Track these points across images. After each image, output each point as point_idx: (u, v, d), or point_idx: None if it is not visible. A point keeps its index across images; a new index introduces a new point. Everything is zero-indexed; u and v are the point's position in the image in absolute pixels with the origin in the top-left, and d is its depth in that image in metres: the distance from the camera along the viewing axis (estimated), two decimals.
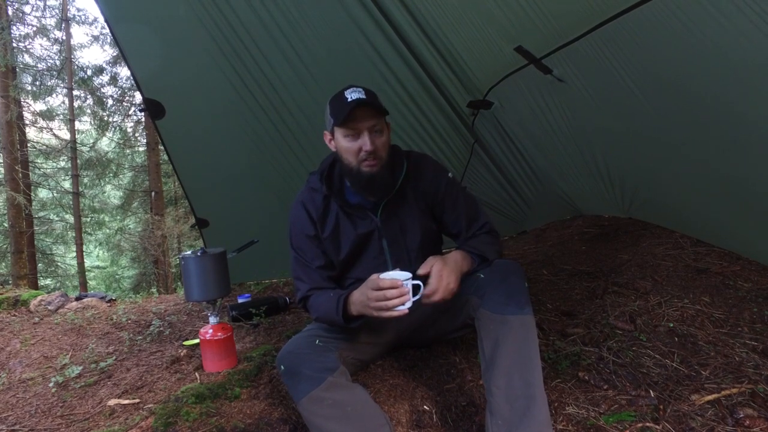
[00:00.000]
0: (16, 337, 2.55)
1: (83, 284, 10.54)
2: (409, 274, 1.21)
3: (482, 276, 1.37)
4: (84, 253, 10.96)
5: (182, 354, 2.06)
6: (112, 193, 12.59)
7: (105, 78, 11.16)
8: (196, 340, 2.14)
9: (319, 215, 1.49)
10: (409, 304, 1.19)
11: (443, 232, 1.61)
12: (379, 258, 1.51)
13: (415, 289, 1.21)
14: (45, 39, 10.54)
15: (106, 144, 11.67)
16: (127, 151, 11.92)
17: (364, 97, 1.33)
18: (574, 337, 1.77)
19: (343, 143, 1.38)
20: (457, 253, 1.39)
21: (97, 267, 13.28)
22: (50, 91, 10.62)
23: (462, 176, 3.15)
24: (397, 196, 1.48)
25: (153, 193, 11.02)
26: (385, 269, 1.46)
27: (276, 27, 2.14)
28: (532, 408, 1.15)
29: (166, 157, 5.99)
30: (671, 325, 1.75)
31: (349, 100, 1.32)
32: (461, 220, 1.51)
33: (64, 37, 10.63)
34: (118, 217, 12.03)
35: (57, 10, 10.63)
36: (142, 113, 10.69)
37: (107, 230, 11.91)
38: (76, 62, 10.94)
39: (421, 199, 1.51)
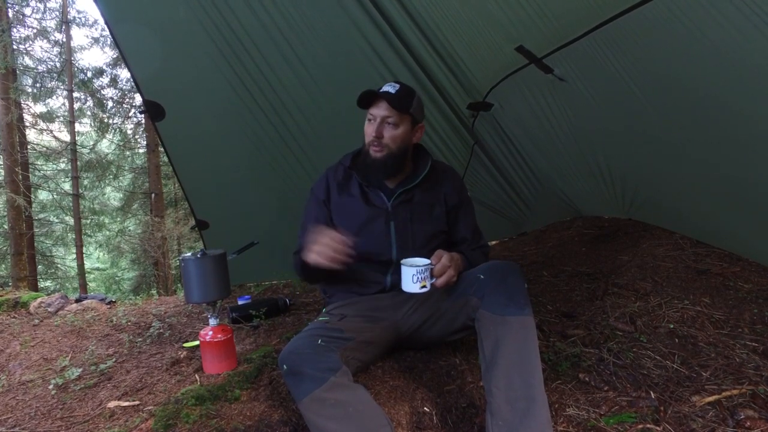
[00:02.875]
0: (16, 339, 2.55)
1: (83, 286, 10.53)
2: (427, 260, 1.38)
3: (482, 277, 1.37)
4: (84, 255, 10.96)
5: (182, 356, 2.05)
6: (112, 195, 12.60)
7: (105, 80, 11.19)
8: (196, 342, 2.14)
9: (340, 183, 1.65)
10: (428, 287, 1.35)
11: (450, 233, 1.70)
12: (384, 240, 1.59)
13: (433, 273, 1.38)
14: (45, 41, 10.57)
15: (106, 146, 11.68)
16: (127, 152, 11.94)
17: (392, 91, 1.50)
18: (574, 339, 1.76)
19: (365, 125, 1.57)
20: (459, 254, 1.53)
21: (97, 269, 13.28)
22: (50, 93, 10.65)
23: (462, 178, 3.15)
24: (416, 189, 1.60)
25: (153, 195, 11.04)
26: (389, 254, 1.59)
27: (276, 29, 2.14)
28: (533, 409, 1.14)
29: (166, 158, 5.99)
30: (671, 326, 1.75)
31: (379, 90, 1.51)
32: (467, 231, 1.68)
33: (64, 39, 10.65)
34: (118, 219, 12.04)
35: (57, 13, 10.66)
36: (142, 115, 10.70)
37: (107, 232, 11.91)
38: (77, 64, 10.97)
39: (442, 199, 1.64)
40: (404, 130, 1.54)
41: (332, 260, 1.34)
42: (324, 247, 1.35)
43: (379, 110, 1.51)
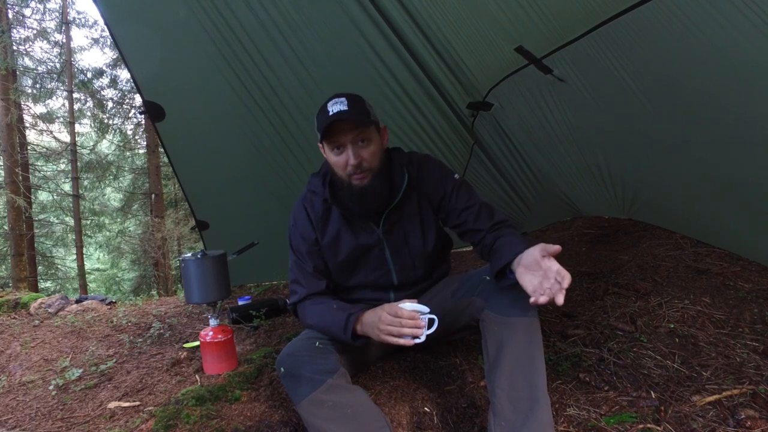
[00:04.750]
0: (16, 340, 2.55)
1: (83, 287, 10.54)
2: (426, 308, 1.23)
3: (487, 278, 1.37)
4: (84, 256, 10.96)
5: (182, 356, 2.05)
6: (113, 196, 12.61)
7: (105, 81, 11.20)
8: (197, 343, 2.14)
9: (319, 219, 1.48)
10: (423, 338, 1.21)
11: (457, 230, 1.50)
12: (382, 268, 1.51)
13: (430, 322, 1.23)
14: (45, 42, 10.58)
15: (106, 146, 11.70)
16: (127, 153, 11.94)
17: (345, 108, 1.29)
18: (574, 339, 1.76)
19: (331, 157, 1.38)
20: (534, 248, 1.24)
21: (98, 269, 13.29)
22: (50, 93, 10.65)
23: (461, 177, 3.15)
24: (400, 203, 1.46)
25: (153, 196, 11.04)
26: (389, 279, 1.52)
27: (276, 29, 2.14)
28: (536, 409, 1.14)
29: (166, 159, 6.00)
30: (672, 326, 1.75)
31: (330, 113, 1.29)
32: (471, 213, 1.43)
33: (64, 40, 10.66)
34: (119, 220, 12.04)
35: (57, 13, 10.66)
36: (142, 116, 10.71)
37: (107, 233, 11.92)
38: (76, 65, 10.97)
39: (426, 201, 1.48)
40: (377, 141, 1.37)
41: (406, 335, 1.21)
42: (397, 327, 1.21)
43: (345, 134, 1.31)
